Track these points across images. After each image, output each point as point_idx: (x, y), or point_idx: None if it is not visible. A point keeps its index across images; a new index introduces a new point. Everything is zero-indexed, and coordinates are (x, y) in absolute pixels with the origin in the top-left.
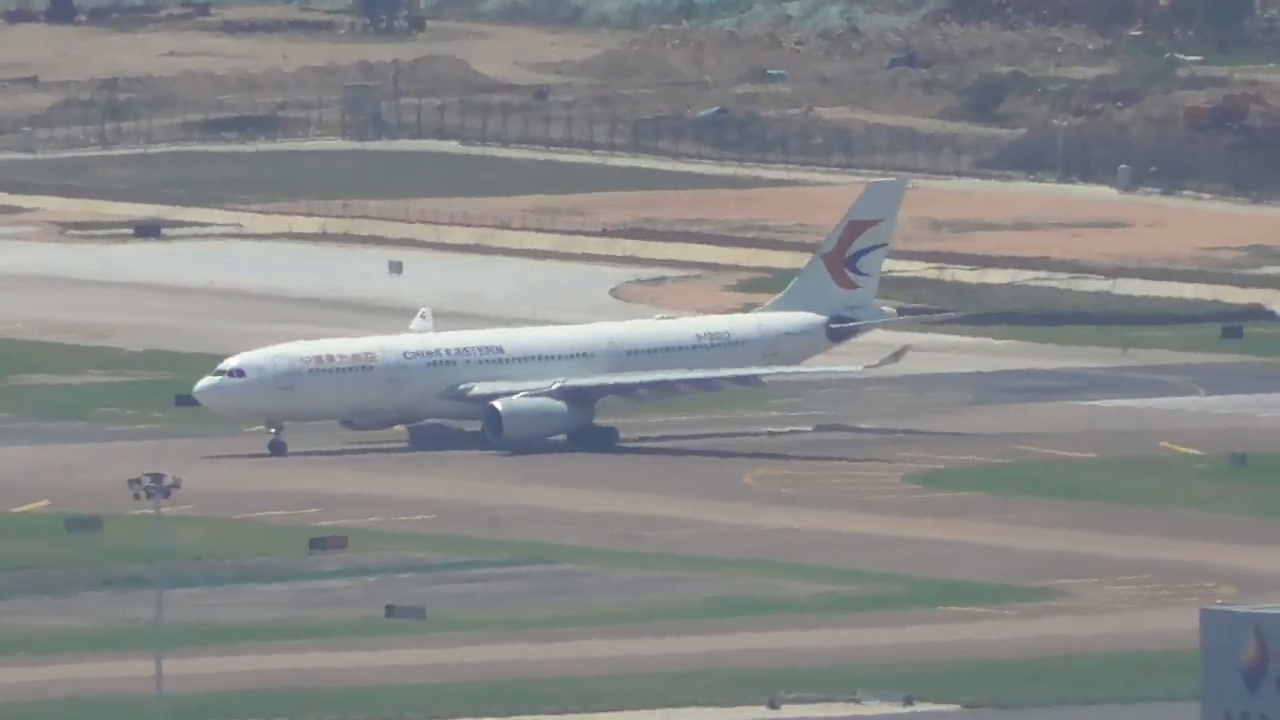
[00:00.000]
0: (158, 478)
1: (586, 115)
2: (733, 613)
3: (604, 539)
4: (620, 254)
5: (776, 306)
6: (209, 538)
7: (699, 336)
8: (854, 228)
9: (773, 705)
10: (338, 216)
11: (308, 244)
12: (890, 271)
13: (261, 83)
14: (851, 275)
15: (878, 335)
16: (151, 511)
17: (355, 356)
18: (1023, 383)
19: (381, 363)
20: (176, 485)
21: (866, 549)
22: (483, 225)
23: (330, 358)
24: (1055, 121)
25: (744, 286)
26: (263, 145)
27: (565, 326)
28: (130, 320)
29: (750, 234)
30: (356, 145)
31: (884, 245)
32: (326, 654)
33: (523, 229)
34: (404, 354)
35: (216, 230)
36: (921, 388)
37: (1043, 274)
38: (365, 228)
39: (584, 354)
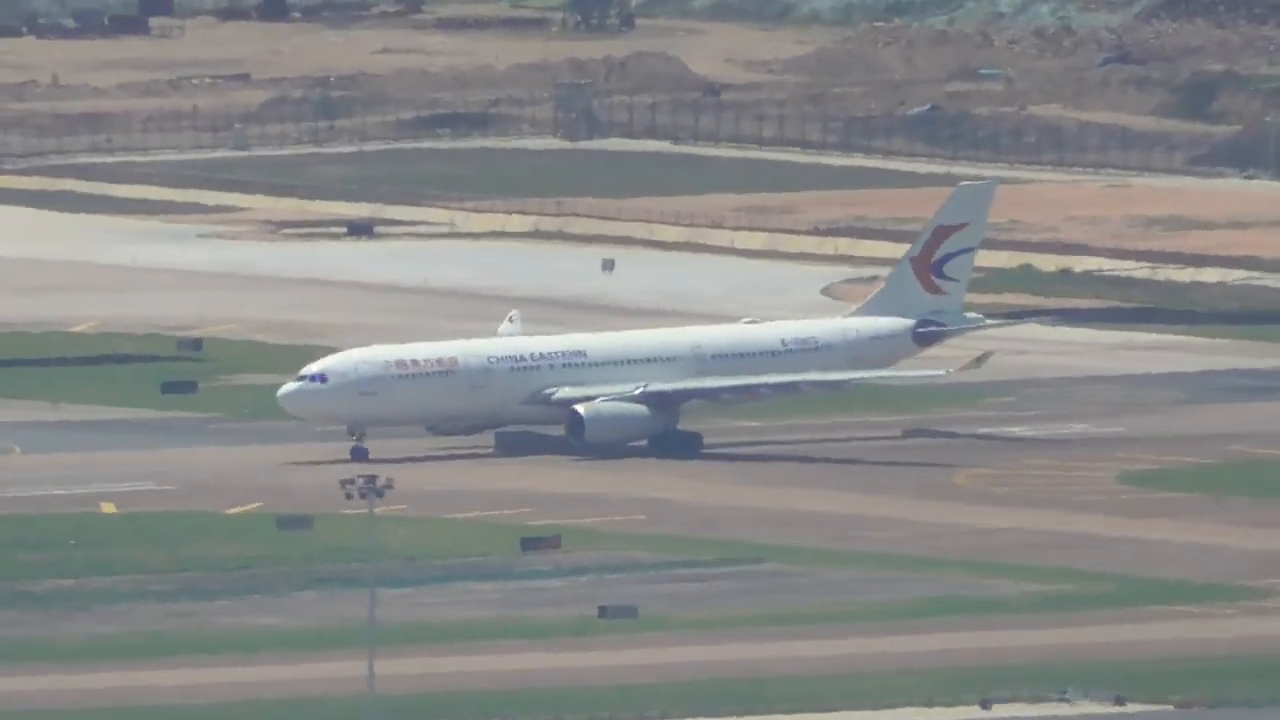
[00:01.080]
0: (370, 478)
1: (798, 113)
2: (944, 612)
3: (816, 539)
4: (831, 252)
5: (864, 311)
6: (421, 537)
7: (784, 341)
8: (941, 232)
9: (985, 706)
10: (550, 215)
11: (520, 242)
12: (1101, 270)
13: (474, 80)
14: (938, 280)
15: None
16: (363, 511)
17: (439, 361)
18: (1236, 382)
19: (464, 367)
20: (389, 485)
21: (1078, 548)
22: (694, 224)
23: (414, 362)
24: (1268, 119)
25: None
26: (475, 143)
27: (650, 330)
28: (342, 319)
29: None
30: (568, 144)
31: (972, 249)
32: (538, 654)
33: (734, 227)
34: (487, 358)
35: (429, 229)
36: (1135, 387)
37: (1256, 273)
38: (577, 226)
39: (668, 358)
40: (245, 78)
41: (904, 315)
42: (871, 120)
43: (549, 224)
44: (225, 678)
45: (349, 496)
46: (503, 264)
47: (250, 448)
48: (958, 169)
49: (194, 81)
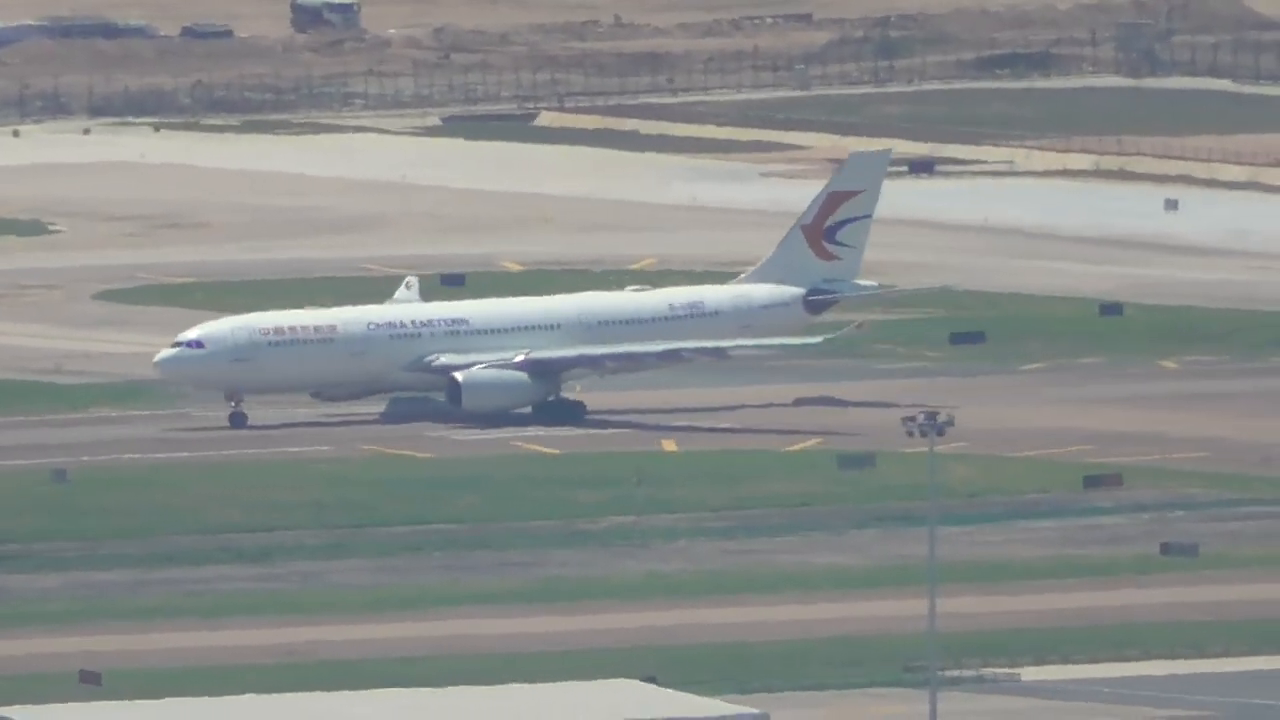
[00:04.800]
0: (932, 415)
1: None
2: None
3: None
4: None
5: (754, 278)
6: (982, 475)
7: (672, 307)
8: (834, 198)
9: None
10: (1112, 154)
11: (1081, 181)
12: None
13: (1035, 19)
14: (831, 247)
15: None
16: (925, 449)
17: (316, 329)
18: None
19: (343, 334)
20: (950, 423)
21: None
22: (1256, 163)
23: (291, 329)
24: None
25: None
26: (1036, 83)
27: (534, 298)
28: (904, 257)
29: None
30: (1131, 82)
31: (866, 217)
32: (1099, 592)
33: None
34: (367, 325)
35: (989, 168)
36: None
37: None
38: (1139, 165)
39: (552, 325)
40: (807, 18)
41: (796, 283)
42: None
43: (1110, 163)
44: (785, 615)
45: (910, 434)
46: (1062, 203)
47: (807, 384)
48: None
49: (755, 22)
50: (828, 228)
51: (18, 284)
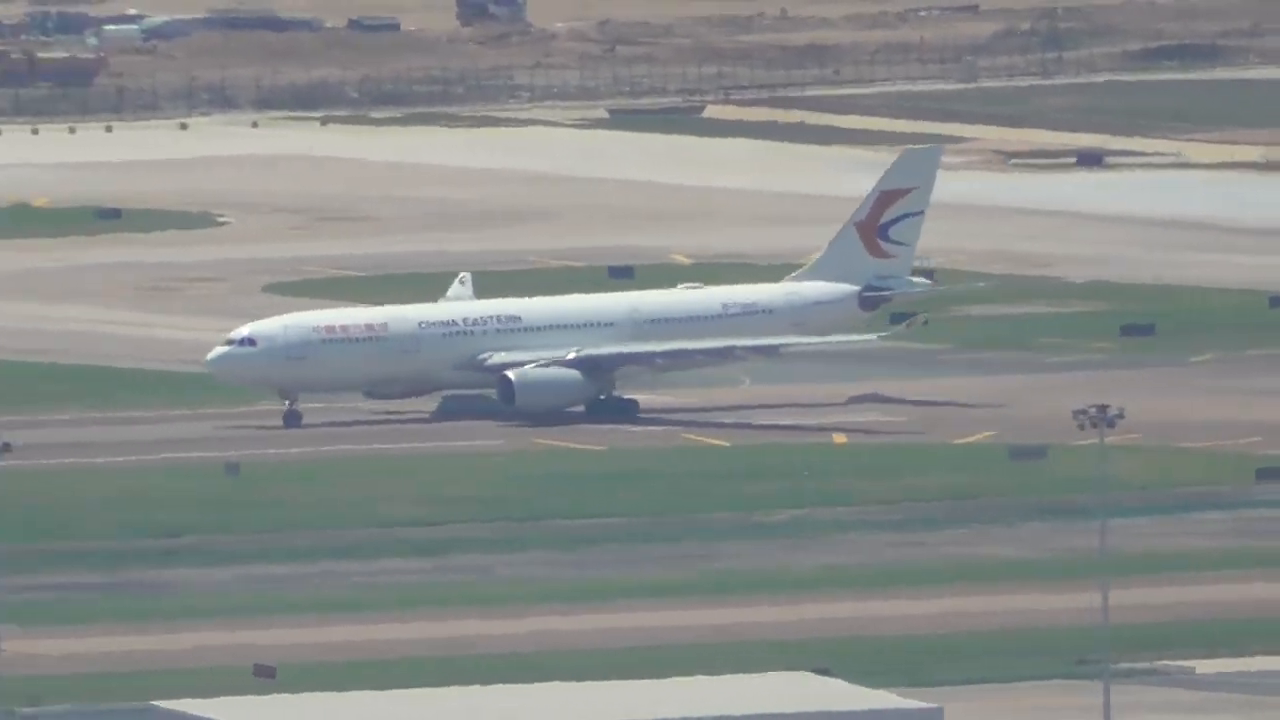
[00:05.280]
0: (1102, 408)
1: None
2: None
3: None
4: None
5: (808, 275)
6: (1152, 467)
7: (725, 305)
8: (886, 196)
9: None
10: None
11: (1249, 173)
12: None
13: (1201, 11)
14: (884, 244)
15: None
16: (1095, 441)
17: (368, 326)
18: None
19: (395, 332)
20: (1120, 415)
21: None
22: None
23: (343, 327)
24: None
25: None
26: (1203, 74)
27: (587, 295)
28: (1073, 250)
29: None
30: None
31: (919, 213)
32: (1273, 584)
33: None
34: (418, 324)
35: (1158, 159)
36: None
37: None
38: None
39: (604, 323)
40: (973, 9)
41: (849, 280)
42: None
43: (1278, 154)
44: (956, 608)
45: (1081, 427)
46: (1230, 195)
47: (982, 378)
48: None
49: (921, 14)
50: (881, 225)
51: (185, 276)
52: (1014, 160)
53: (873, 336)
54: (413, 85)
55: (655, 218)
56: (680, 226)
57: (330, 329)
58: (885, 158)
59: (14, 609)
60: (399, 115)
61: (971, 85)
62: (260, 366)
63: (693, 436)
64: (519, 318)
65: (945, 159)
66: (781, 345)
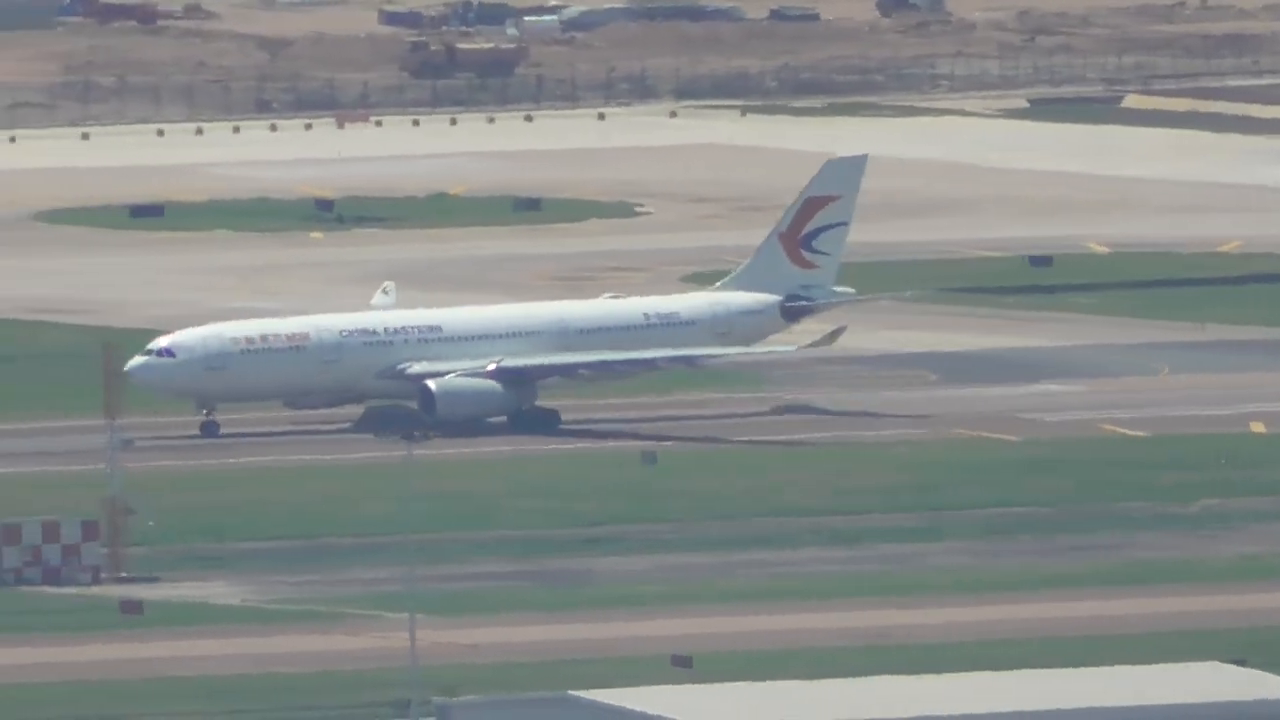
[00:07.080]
0: None
1: None
2: None
3: None
4: None
5: (731, 285)
6: None
7: (647, 316)
8: (810, 205)
9: None
10: None
11: None
12: None
13: None
14: (808, 254)
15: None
16: None
17: (289, 336)
18: None
19: (315, 342)
20: None
21: None
22: None
23: (263, 337)
24: None
25: None
26: None
27: (508, 305)
28: None
29: None
30: None
31: (844, 224)
32: None
33: None
34: (340, 333)
35: None
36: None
37: None
38: None
39: (526, 333)
40: None
41: (772, 290)
42: None
43: None
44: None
45: None
46: None
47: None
48: None
49: None
50: (804, 235)
51: (604, 265)
52: None
53: (792, 348)
54: (832, 75)
55: (1073, 207)
56: (1098, 216)
57: (250, 340)
58: None
59: (432, 600)
60: (818, 105)
61: None
62: (179, 378)
63: (1110, 426)
64: (440, 327)
65: None
66: (702, 356)
